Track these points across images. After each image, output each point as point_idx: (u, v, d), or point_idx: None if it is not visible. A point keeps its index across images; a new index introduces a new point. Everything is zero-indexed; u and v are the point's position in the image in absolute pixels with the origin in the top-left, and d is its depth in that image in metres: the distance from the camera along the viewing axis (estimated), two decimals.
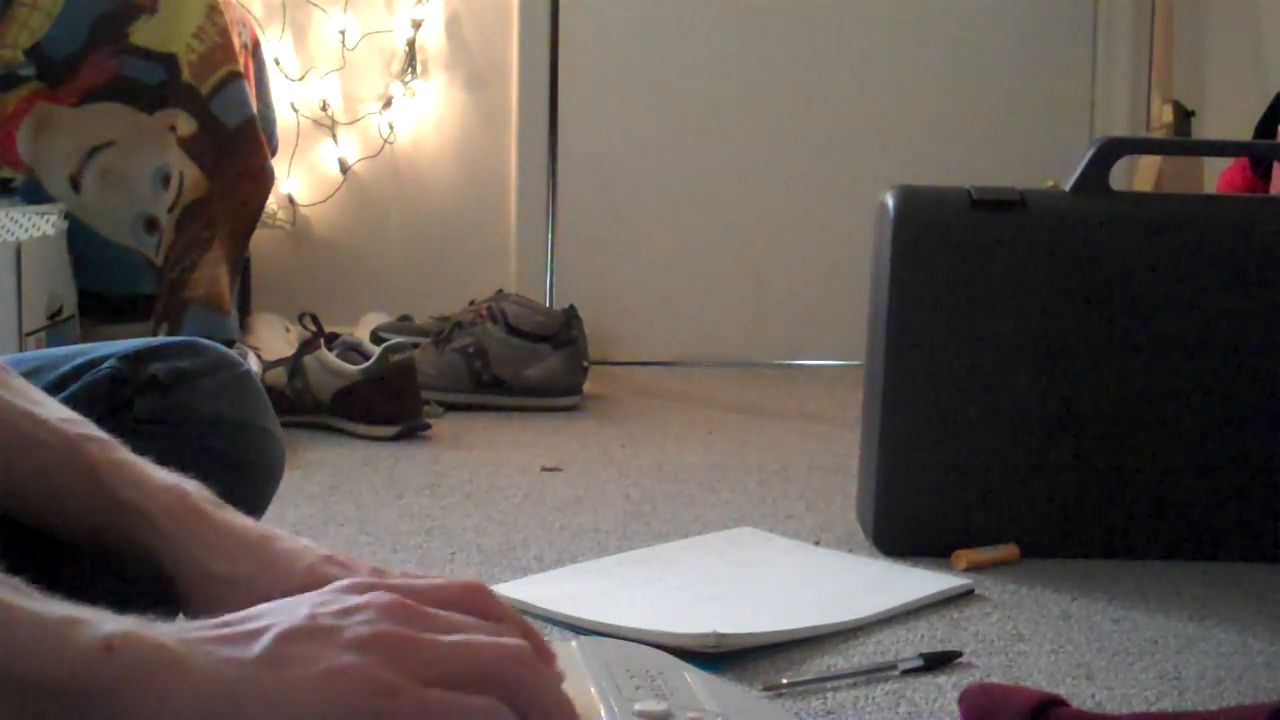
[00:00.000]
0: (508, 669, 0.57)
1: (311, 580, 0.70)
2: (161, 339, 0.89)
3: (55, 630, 0.51)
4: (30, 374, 0.78)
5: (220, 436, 0.83)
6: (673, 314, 2.91)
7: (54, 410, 0.72)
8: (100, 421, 0.74)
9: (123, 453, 0.71)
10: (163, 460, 0.73)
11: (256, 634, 0.54)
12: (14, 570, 0.54)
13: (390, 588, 0.59)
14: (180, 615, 0.70)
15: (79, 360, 0.85)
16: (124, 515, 0.69)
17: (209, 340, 0.91)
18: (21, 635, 0.50)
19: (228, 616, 0.57)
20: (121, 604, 0.66)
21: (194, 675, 0.52)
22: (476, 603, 0.62)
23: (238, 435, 0.87)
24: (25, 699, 0.50)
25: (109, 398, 0.79)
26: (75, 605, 0.53)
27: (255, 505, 0.92)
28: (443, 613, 0.59)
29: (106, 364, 0.84)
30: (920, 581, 1.23)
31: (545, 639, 0.64)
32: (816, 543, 1.39)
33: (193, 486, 0.71)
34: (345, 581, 0.61)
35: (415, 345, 2.13)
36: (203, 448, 0.75)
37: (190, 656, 0.52)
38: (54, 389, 0.80)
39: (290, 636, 0.54)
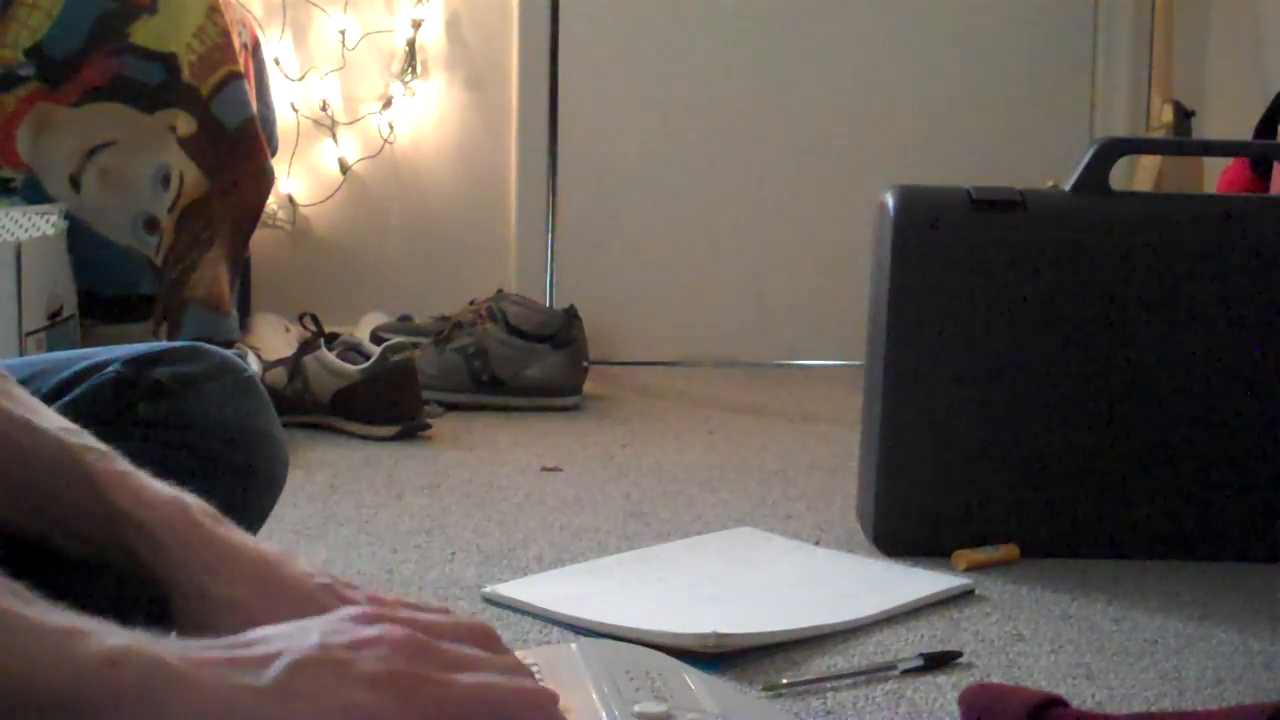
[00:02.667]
0: (524, 712, 0.56)
1: (312, 610, 0.69)
2: (166, 344, 0.89)
3: (57, 640, 0.50)
4: (34, 377, 0.78)
5: (224, 442, 0.83)
6: (673, 314, 2.91)
7: (52, 420, 0.71)
8: (104, 425, 0.73)
9: (122, 464, 0.70)
10: (165, 464, 0.72)
11: (267, 660, 0.53)
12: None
13: (401, 621, 0.58)
14: (175, 633, 0.70)
15: (83, 364, 0.85)
16: (122, 527, 0.68)
17: (213, 345, 0.91)
18: (22, 644, 0.49)
19: (237, 637, 0.55)
20: (117, 617, 0.66)
21: (199, 697, 0.51)
22: (487, 643, 0.61)
23: (241, 441, 0.87)
24: (24, 709, 0.49)
25: (113, 402, 0.79)
26: (78, 616, 0.52)
27: (258, 511, 0.92)
28: (456, 647, 0.58)
29: (111, 368, 0.84)
30: (920, 581, 1.23)
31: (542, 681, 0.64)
32: (816, 543, 1.39)
33: (192, 500, 0.70)
34: (355, 610, 0.59)
35: (415, 345, 2.13)
36: (206, 453, 0.75)
37: (197, 677, 0.51)
38: (58, 392, 0.80)
39: (301, 666, 0.53)
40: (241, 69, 2.15)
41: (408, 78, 2.81)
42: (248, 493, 0.73)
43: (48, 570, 0.75)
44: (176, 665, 0.51)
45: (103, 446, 0.70)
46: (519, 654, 0.73)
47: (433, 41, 2.84)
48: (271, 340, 2.41)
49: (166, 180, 2.05)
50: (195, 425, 0.82)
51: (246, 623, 0.66)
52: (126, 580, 0.75)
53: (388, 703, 0.53)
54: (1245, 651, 1.08)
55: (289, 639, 0.55)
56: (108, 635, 0.51)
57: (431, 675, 0.55)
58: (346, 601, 0.71)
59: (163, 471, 0.71)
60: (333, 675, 0.53)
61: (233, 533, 0.70)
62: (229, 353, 0.90)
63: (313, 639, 0.55)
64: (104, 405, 0.80)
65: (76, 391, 0.82)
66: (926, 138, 2.91)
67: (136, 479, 0.69)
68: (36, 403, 0.72)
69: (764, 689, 0.96)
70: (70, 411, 0.74)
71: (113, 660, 0.50)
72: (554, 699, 0.58)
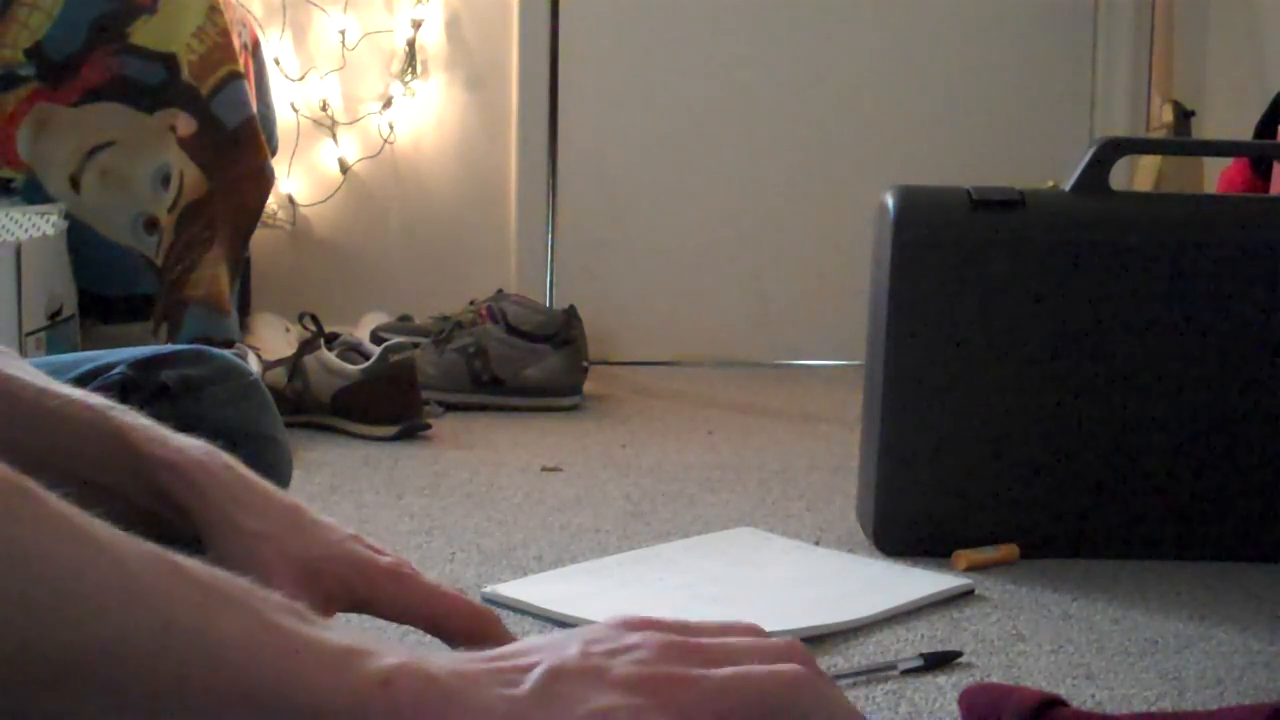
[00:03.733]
0: (785, 696, 0.56)
1: (341, 553, 0.72)
2: (171, 347, 0.90)
3: (337, 660, 0.52)
4: None
5: (227, 444, 0.84)
6: (673, 314, 2.91)
7: (69, 388, 0.74)
8: None
9: (146, 419, 0.73)
10: None
11: (527, 669, 0.54)
12: None
13: (667, 626, 0.59)
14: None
15: (88, 366, 0.86)
16: (153, 471, 0.70)
17: (213, 345, 0.91)
18: (305, 662, 0.51)
19: (500, 650, 0.57)
20: None
21: (465, 710, 0.52)
22: (751, 634, 0.61)
23: (245, 444, 0.88)
24: None
25: (119, 404, 0.81)
26: (359, 633, 0.54)
27: None
28: (719, 641, 0.58)
29: (116, 370, 0.85)
30: (920, 581, 1.23)
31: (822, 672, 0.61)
32: (816, 543, 1.39)
33: (218, 450, 0.73)
34: (620, 617, 0.60)
35: (415, 345, 2.13)
36: None
37: (464, 691, 0.53)
38: None
39: (560, 674, 0.54)
40: (241, 69, 2.16)
41: (408, 78, 2.82)
42: None
43: None
44: (445, 680, 0.53)
45: (123, 406, 0.73)
46: None
47: (433, 41, 2.84)
48: (271, 340, 2.41)
49: (166, 180, 2.05)
50: (199, 428, 0.83)
51: (277, 554, 0.68)
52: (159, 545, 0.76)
53: (644, 703, 0.54)
54: (1245, 651, 1.08)
55: (550, 650, 0.56)
56: (386, 654, 0.53)
57: (688, 673, 0.55)
58: (375, 551, 0.73)
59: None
60: (590, 681, 0.54)
61: (262, 480, 0.73)
62: (233, 356, 0.91)
63: (573, 648, 0.56)
64: None
65: None
66: (926, 138, 2.91)
67: (162, 430, 0.72)
68: (47, 377, 0.74)
69: None
70: None
71: (387, 679, 0.52)
72: (809, 677, 0.57)
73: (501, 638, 0.73)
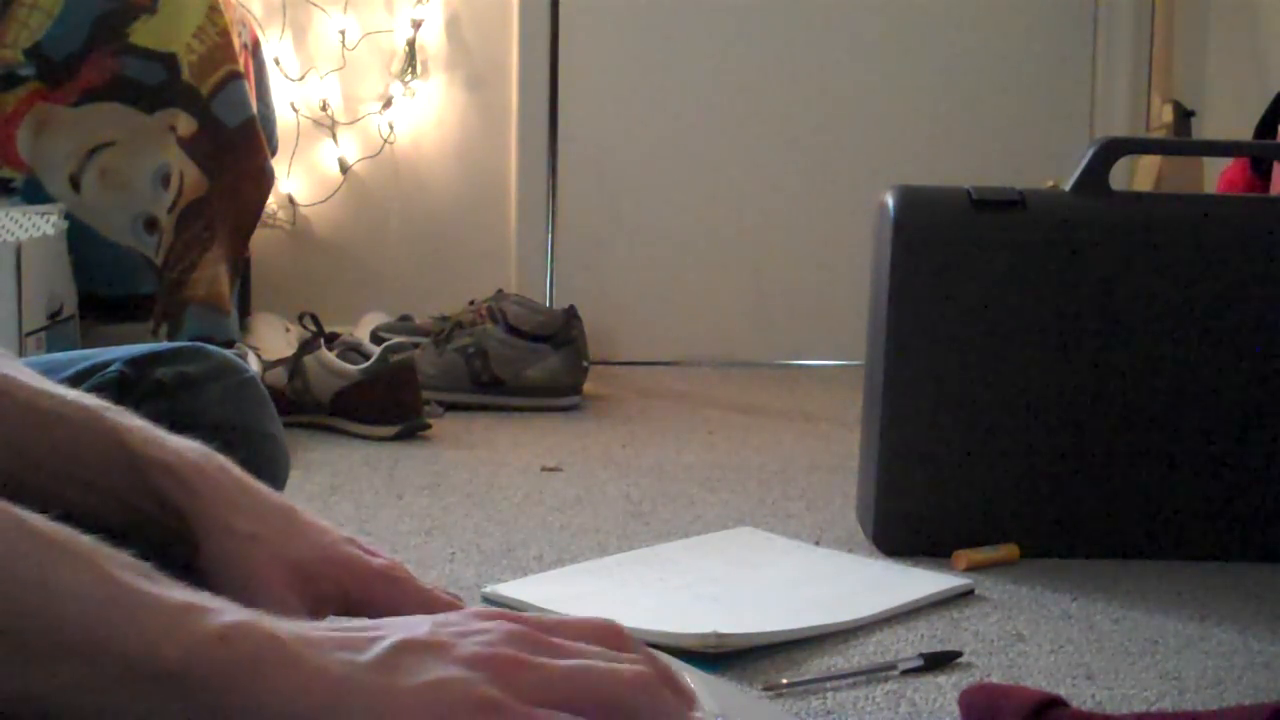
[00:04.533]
0: (621, 693, 0.57)
1: (334, 555, 0.72)
2: (168, 344, 0.89)
3: (176, 616, 0.52)
4: None
5: (225, 442, 0.84)
6: (673, 314, 2.91)
7: (65, 389, 0.74)
8: None
9: (141, 420, 0.73)
10: None
11: (373, 641, 0.55)
12: None
13: (523, 620, 0.60)
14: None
15: (84, 364, 0.86)
16: (149, 472, 0.70)
17: (214, 346, 0.91)
18: (143, 616, 0.52)
19: (351, 623, 0.58)
20: None
21: (301, 670, 0.53)
22: (610, 639, 0.61)
23: (242, 441, 0.88)
24: (142, 681, 0.51)
25: (115, 401, 0.81)
26: (202, 594, 0.54)
27: None
28: (566, 642, 0.59)
29: (112, 368, 0.85)
30: (920, 581, 1.23)
31: (678, 676, 0.62)
32: (816, 543, 1.39)
33: (213, 452, 0.73)
34: (479, 609, 0.61)
35: (415, 345, 2.13)
36: None
37: (303, 651, 0.53)
38: None
39: (405, 647, 0.55)
40: (241, 69, 2.16)
41: (408, 78, 2.82)
42: None
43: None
44: (286, 640, 0.53)
45: (119, 407, 0.73)
46: None
47: (433, 41, 2.84)
48: (271, 340, 2.41)
49: (166, 180, 2.05)
50: (196, 425, 0.83)
51: (271, 557, 0.69)
52: (153, 547, 0.76)
53: (480, 679, 0.55)
54: (1245, 651, 1.08)
55: (401, 627, 0.57)
56: (227, 612, 0.53)
57: (530, 659, 0.57)
58: (369, 554, 0.73)
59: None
60: (433, 655, 0.55)
61: (257, 482, 0.73)
62: (230, 353, 0.91)
63: (423, 627, 0.57)
64: None
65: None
66: (926, 138, 2.91)
67: (158, 431, 0.72)
68: (43, 378, 0.74)
69: (764, 689, 0.96)
70: None
71: (224, 636, 0.52)
72: (650, 679, 0.58)
73: None
